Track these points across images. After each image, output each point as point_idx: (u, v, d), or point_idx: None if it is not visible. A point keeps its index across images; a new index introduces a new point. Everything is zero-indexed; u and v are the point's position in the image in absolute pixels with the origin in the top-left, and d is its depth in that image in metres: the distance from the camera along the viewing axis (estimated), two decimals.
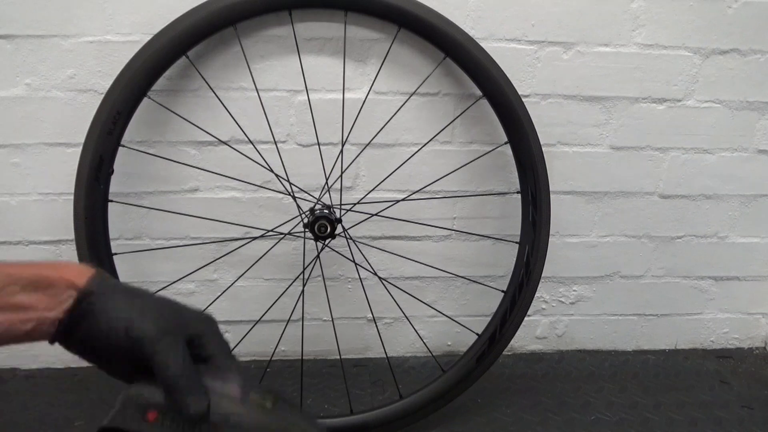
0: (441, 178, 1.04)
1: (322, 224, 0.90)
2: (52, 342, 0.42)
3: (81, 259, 0.88)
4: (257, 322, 1.06)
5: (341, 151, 1.00)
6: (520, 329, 0.99)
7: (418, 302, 1.11)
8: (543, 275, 0.99)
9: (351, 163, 1.01)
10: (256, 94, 0.95)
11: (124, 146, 0.89)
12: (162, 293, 0.46)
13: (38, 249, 1.02)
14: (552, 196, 0.98)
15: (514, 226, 1.06)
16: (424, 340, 1.15)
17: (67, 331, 0.41)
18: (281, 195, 1.02)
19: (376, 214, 1.02)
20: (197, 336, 0.43)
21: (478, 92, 0.96)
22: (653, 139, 1.07)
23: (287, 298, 1.06)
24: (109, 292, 0.42)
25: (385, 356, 1.12)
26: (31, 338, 0.41)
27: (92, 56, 0.91)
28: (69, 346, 0.42)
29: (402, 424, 0.97)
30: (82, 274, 0.42)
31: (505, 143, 0.97)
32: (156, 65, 0.85)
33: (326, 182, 0.99)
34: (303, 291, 1.05)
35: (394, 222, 1.04)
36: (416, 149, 1.02)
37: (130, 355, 0.41)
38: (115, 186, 0.92)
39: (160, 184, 0.99)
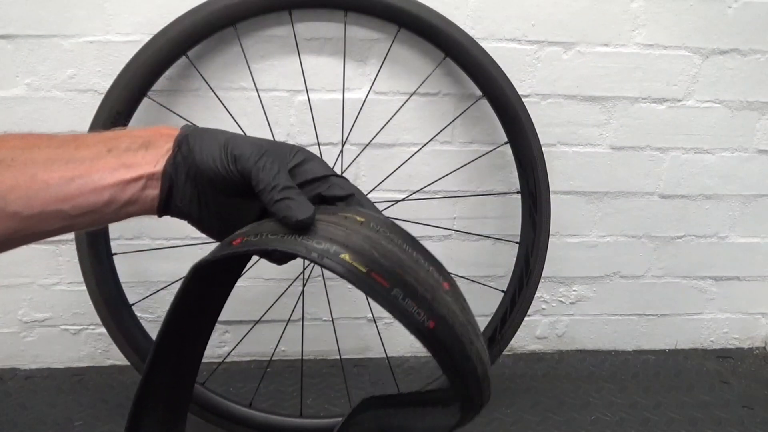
0: (441, 178, 1.04)
1: None
2: (159, 212, 0.42)
3: (81, 258, 0.88)
4: (257, 322, 1.06)
5: (341, 151, 1.00)
6: (520, 329, 0.99)
7: None
8: (543, 275, 0.99)
9: (351, 163, 1.01)
10: (256, 94, 0.95)
11: None
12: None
13: (38, 249, 1.02)
14: (552, 196, 0.98)
15: (514, 226, 1.06)
16: None
17: (171, 181, 0.41)
18: None
19: None
20: (297, 165, 0.42)
21: (478, 92, 0.96)
22: (653, 139, 1.07)
23: (287, 298, 1.06)
24: (203, 131, 0.42)
25: (385, 356, 1.12)
26: (139, 205, 0.41)
27: (92, 56, 0.91)
28: (172, 202, 0.42)
29: None
30: (174, 128, 0.42)
31: (505, 143, 0.97)
32: (156, 65, 0.85)
33: None
34: (303, 291, 1.05)
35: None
36: (416, 149, 1.02)
37: (227, 183, 0.41)
38: None
39: None
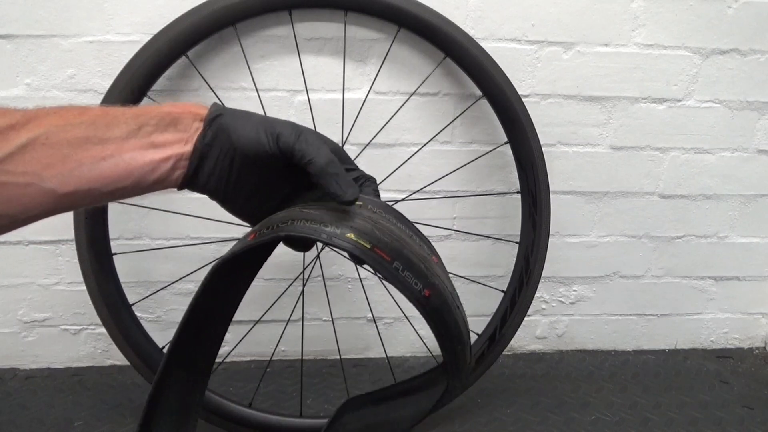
0: (441, 178, 1.04)
1: None
2: (181, 187, 0.43)
3: (81, 258, 0.88)
4: (257, 322, 1.06)
5: None
6: (520, 329, 0.99)
7: None
8: (543, 275, 0.99)
9: None
10: (256, 94, 0.95)
11: None
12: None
13: (38, 249, 1.02)
14: (552, 196, 0.98)
15: (514, 226, 1.06)
16: (424, 340, 1.15)
17: (201, 160, 0.42)
18: None
19: None
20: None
21: (478, 92, 0.96)
22: (653, 139, 1.07)
23: (287, 298, 1.06)
24: (233, 112, 0.43)
25: (385, 356, 1.12)
26: (165, 183, 0.42)
27: (92, 56, 0.91)
28: (200, 177, 0.43)
29: None
30: (201, 106, 0.43)
31: (505, 143, 0.97)
32: (156, 65, 0.85)
33: None
34: (303, 291, 1.05)
35: None
36: (416, 149, 1.02)
37: (266, 161, 0.42)
38: None
39: None
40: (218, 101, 0.94)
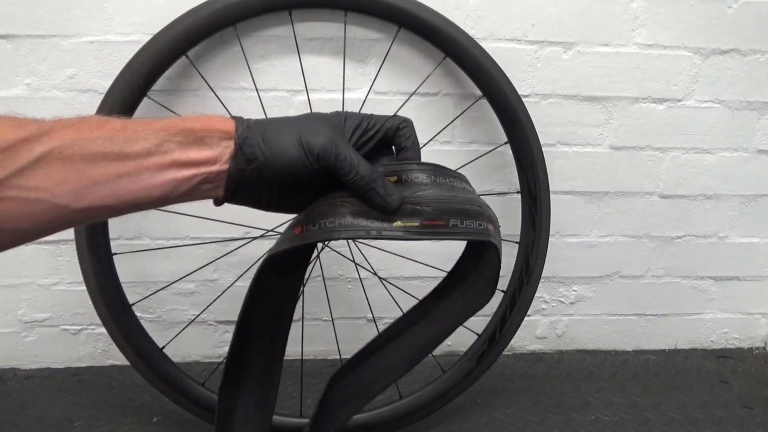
0: None
1: None
2: (219, 202, 0.43)
3: (81, 258, 0.88)
4: None
5: None
6: (520, 329, 0.99)
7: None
8: (543, 275, 0.99)
9: None
10: (256, 94, 0.95)
11: None
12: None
13: (38, 249, 1.02)
14: (552, 196, 0.98)
15: (514, 226, 1.06)
16: None
17: (237, 181, 0.41)
18: None
19: None
20: (353, 132, 0.45)
21: (478, 92, 0.96)
22: (653, 139, 1.07)
23: None
24: (260, 129, 0.42)
25: None
26: (193, 197, 0.41)
27: (92, 56, 0.91)
28: (237, 197, 0.43)
29: (402, 424, 0.97)
30: (226, 121, 0.42)
31: (505, 143, 0.97)
32: (156, 65, 0.85)
33: None
34: (303, 291, 1.05)
35: None
36: None
37: (305, 174, 0.42)
38: None
39: None
40: (218, 101, 0.94)
